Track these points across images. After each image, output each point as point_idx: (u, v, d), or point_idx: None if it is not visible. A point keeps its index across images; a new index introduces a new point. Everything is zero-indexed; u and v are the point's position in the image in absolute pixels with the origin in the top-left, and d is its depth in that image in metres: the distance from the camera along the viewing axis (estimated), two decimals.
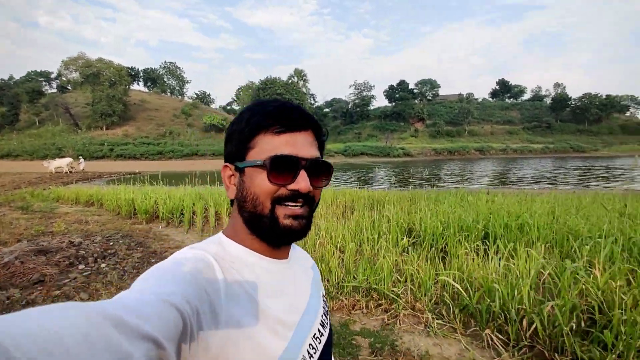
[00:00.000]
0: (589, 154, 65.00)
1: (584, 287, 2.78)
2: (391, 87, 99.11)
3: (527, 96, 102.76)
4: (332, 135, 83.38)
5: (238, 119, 0.66)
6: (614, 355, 2.26)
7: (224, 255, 0.63)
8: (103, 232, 6.38)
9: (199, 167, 32.48)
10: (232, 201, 0.70)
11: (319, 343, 0.70)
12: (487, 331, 2.78)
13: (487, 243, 4.49)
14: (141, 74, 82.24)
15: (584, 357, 2.36)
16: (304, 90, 68.27)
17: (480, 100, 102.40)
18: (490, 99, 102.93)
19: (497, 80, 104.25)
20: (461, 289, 3.05)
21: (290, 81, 65.46)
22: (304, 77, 70.81)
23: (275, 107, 0.64)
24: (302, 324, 0.67)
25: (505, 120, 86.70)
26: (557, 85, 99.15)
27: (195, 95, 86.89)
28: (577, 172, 28.74)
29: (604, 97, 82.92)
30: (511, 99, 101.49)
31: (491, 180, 23.37)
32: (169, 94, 79.91)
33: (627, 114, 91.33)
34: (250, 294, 0.61)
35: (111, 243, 5.60)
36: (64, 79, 58.21)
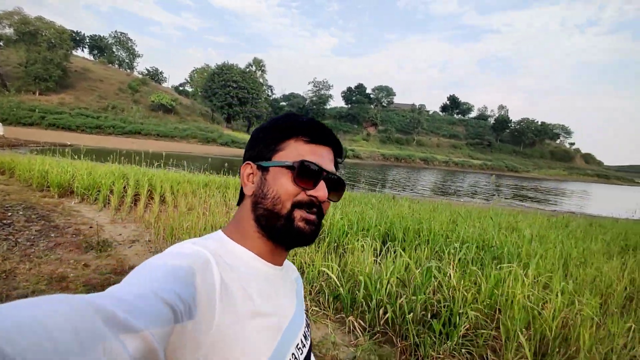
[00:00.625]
0: (520, 174, 70.79)
1: (436, 284, 3.18)
2: (349, 89, 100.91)
3: (474, 114, 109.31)
4: None
5: (268, 125, 0.72)
6: (442, 341, 2.66)
7: (223, 254, 0.63)
8: (5, 201, 6.00)
9: (140, 146, 30.96)
10: (240, 200, 0.73)
11: (301, 354, 0.71)
12: (351, 317, 3.09)
13: (388, 243, 4.88)
14: (87, 41, 76.43)
15: (418, 341, 2.73)
16: (261, 80, 67.30)
17: (431, 112, 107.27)
18: (441, 113, 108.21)
19: (448, 95, 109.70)
20: (335, 279, 3.34)
21: (247, 70, 64.21)
22: (263, 68, 69.83)
23: (307, 120, 0.70)
24: (288, 332, 0.68)
25: (452, 134, 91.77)
26: (501, 107, 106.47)
27: (147, 71, 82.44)
28: (501, 189, 31.27)
29: (539, 123, 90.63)
30: (459, 115, 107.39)
31: (424, 189, 24.76)
32: (116, 65, 75.01)
33: (558, 141, 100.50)
34: (246, 294, 0.61)
35: (9, 214, 5.30)
36: None
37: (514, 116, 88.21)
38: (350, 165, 45.93)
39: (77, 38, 74.84)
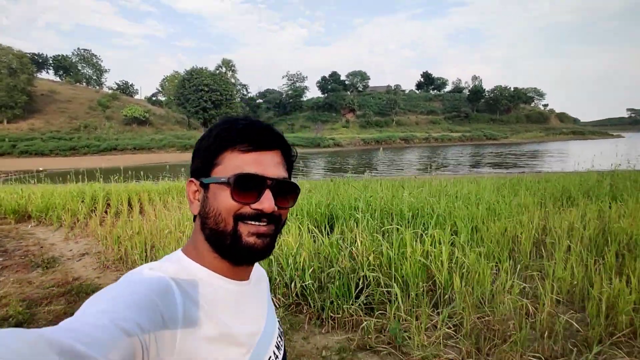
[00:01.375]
0: (499, 141, 72.00)
1: (346, 253, 3.48)
2: (324, 78, 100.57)
3: (449, 88, 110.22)
4: None
5: (207, 135, 0.67)
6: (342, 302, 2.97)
7: (183, 276, 0.61)
8: None
9: (116, 162, 30.71)
10: (194, 217, 0.69)
11: None
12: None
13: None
14: (51, 62, 74.65)
15: (318, 305, 3.04)
16: (232, 80, 66.84)
17: (407, 91, 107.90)
18: (417, 91, 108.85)
19: (422, 72, 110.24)
20: None
21: (217, 71, 63.66)
22: (233, 68, 69.43)
23: (244, 125, 0.65)
24: (259, 347, 0.67)
25: (429, 110, 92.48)
26: (474, 77, 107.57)
27: (117, 86, 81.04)
28: (476, 159, 31.95)
29: (512, 89, 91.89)
30: (435, 91, 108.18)
31: (399, 168, 25.22)
32: (84, 84, 73.58)
33: (532, 105, 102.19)
34: (210, 316, 0.60)
35: None
36: None
37: (489, 85, 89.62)
38: (330, 154, 46.22)
39: (40, 60, 73.05)
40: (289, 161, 0.70)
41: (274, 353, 0.71)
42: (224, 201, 0.62)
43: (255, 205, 0.62)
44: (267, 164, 0.64)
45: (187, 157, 41.97)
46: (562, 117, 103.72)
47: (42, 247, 5.36)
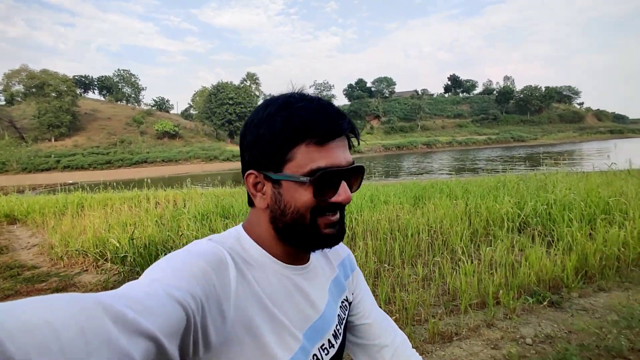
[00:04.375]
0: (528, 142, 69.72)
1: None
2: (350, 86, 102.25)
3: (479, 89, 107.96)
4: None
5: (265, 122, 0.61)
6: None
7: (240, 252, 0.62)
8: None
9: (145, 174, 33.76)
10: (250, 202, 0.67)
11: (326, 354, 0.68)
12: None
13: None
14: (95, 82, 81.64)
15: None
16: (256, 93, 69.90)
17: (435, 95, 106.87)
18: (445, 95, 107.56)
19: (449, 76, 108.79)
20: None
21: (242, 85, 66.92)
22: (256, 80, 72.56)
23: (309, 111, 0.59)
24: (311, 333, 0.66)
25: (456, 114, 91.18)
26: (506, 78, 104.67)
27: (154, 102, 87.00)
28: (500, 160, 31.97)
29: (543, 89, 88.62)
30: (464, 93, 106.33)
31: (407, 172, 26.02)
32: (124, 102, 79.75)
33: (567, 103, 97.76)
34: (261, 296, 0.59)
35: None
36: (6, 92, 57.55)
37: (525, 85, 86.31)
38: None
39: (87, 82, 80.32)
40: (351, 142, 0.66)
41: (329, 341, 0.70)
42: (304, 200, 0.60)
43: (334, 199, 0.61)
44: (339, 153, 0.61)
45: (210, 167, 44.81)
46: (600, 115, 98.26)
47: (7, 239, 7.18)
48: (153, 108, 76.50)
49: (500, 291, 3.27)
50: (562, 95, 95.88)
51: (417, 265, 3.91)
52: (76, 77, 76.56)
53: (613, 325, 2.82)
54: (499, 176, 10.04)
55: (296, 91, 0.64)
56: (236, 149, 58.03)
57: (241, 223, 0.68)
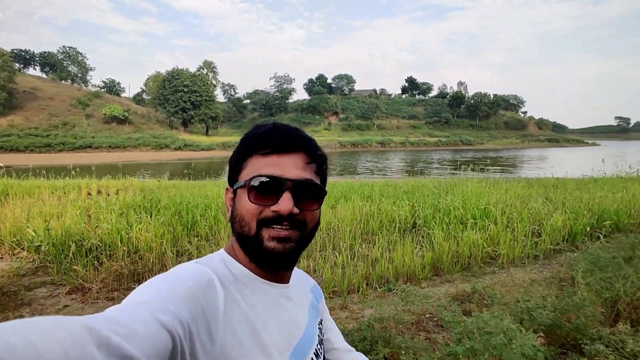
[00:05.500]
0: (475, 146, 74.02)
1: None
2: (310, 80, 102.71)
3: (434, 93, 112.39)
4: (249, 127, 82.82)
5: (238, 145, 0.69)
6: None
7: (226, 274, 0.63)
8: None
9: (88, 160, 32.24)
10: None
11: None
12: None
13: None
14: (37, 58, 75.88)
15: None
16: (213, 82, 68.45)
17: (393, 96, 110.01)
18: (402, 96, 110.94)
19: (406, 77, 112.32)
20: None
21: (199, 73, 65.21)
22: (214, 69, 71.04)
23: (266, 130, 0.66)
24: (297, 351, 0.67)
25: (411, 115, 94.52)
26: (460, 83, 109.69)
27: (103, 84, 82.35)
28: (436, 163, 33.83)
29: (492, 96, 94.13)
30: (420, 96, 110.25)
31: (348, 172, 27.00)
32: (69, 81, 74.84)
33: (513, 111, 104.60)
34: (249, 315, 0.60)
35: None
36: None
37: (480, 90, 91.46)
38: None
39: (27, 57, 74.40)
40: (319, 164, 0.69)
41: (316, 350, 0.73)
42: (245, 204, 0.64)
43: (273, 207, 0.63)
44: (288, 166, 0.64)
45: (160, 156, 43.57)
46: (541, 124, 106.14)
47: None
48: (102, 90, 72.56)
49: (355, 281, 3.96)
50: (508, 104, 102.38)
51: (302, 260, 4.53)
52: (15, 51, 70.74)
53: (436, 307, 3.59)
54: (419, 180, 11.02)
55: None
56: (190, 137, 57.41)
57: (223, 248, 0.72)
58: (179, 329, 0.47)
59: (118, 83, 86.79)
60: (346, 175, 22.08)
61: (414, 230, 5.86)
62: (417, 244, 5.13)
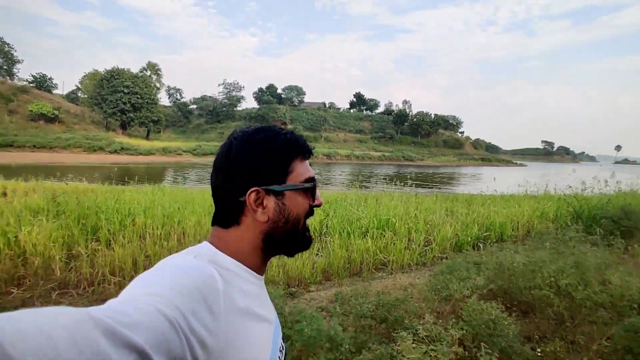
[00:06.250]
0: (415, 162, 77.87)
1: None
2: (260, 89, 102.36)
3: (381, 109, 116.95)
4: (194, 133, 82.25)
5: (267, 143, 0.71)
6: None
7: (223, 267, 0.66)
8: None
9: (7, 159, 29.43)
10: (222, 222, 0.72)
11: (282, 356, 0.78)
12: None
13: None
14: None
15: None
16: (157, 84, 65.86)
17: (342, 110, 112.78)
18: (350, 110, 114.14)
19: (355, 93, 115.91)
20: None
21: (141, 74, 62.43)
22: (158, 71, 68.35)
23: (298, 137, 0.75)
24: (275, 336, 0.74)
25: (358, 129, 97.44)
26: (405, 102, 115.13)
27: (33, 78, 75.73)
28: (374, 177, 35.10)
29: (433, 115, 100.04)
30: (367, 111, 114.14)
31: None
32: None
33: (452, 131, 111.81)
34: (247, 305, 0.65)
35: None
36: None
37: (426, 110, 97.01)
38: None
39: None
40: None
41: (282, 344, 0.78)
42: (303, 204, 0.73)
43: (314, 203, 0.75)
44: (310, 167, 0.76)
45: (93, 158, 40.85)
46: (476, 143, 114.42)
47: None
48: (30, 85, 66.65)
49: None
50: (448, 123, 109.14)
51: None
52: None
53: (317, 307, 3.83)
54: (345, 192, 11.48)
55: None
56: (128, 140, 54.15)
57: (205, 242, 0.72)
58: (181, 320, 0.48)
59: (50, 78, 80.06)
60: None
61: (319, 238, 6.15)
62: (318, 251, 5.40)
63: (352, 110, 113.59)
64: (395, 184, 14.32)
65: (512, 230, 7.28)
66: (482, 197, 11.41)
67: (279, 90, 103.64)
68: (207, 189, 0.80)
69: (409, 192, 11.74)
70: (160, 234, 5.63)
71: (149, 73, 66.10)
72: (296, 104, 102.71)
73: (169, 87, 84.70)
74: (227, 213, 0.72)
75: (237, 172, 0.70)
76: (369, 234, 5.93)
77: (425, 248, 5.78)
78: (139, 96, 56.12)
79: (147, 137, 61.85)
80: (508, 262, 3.24)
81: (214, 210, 0.74)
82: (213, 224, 0.74)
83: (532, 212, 8.37)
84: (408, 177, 28.63)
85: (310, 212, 0.75)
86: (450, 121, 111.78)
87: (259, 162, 0.70)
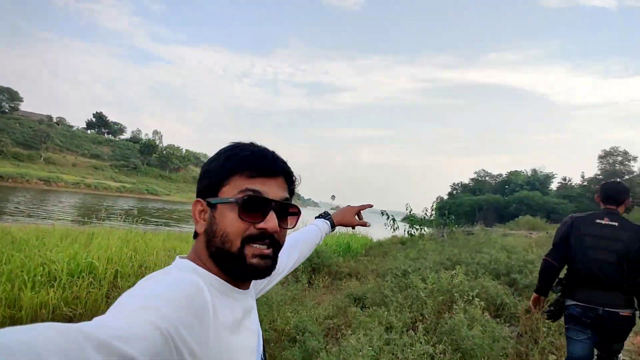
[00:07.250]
0: (160, 197, 73.20)
1: None
2: None
3: (127, 136, 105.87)
4: None
5: (215, 158, 0.71)
6: None
7: (206, 281, 0.64)
8: None
9: None
10: (195, 235, 0.71)
11: None
12: None
13: None
14: None
15: None
16: None
17: (74, 128, 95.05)
18: (88, 131, 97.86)
19: (94, 112, 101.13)
20: None
21: None
22: None
23: (252, 152, 0.70)
24: (259, 346, 0.73)
25: (94, 154, 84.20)
26: (155, 132, 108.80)
27: None
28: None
29: (184, 150, 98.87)
30: (109, 135, 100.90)
31: None
32: None
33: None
34: (231, 315, 0.64)
35: None
36: None
37: (179, 144, 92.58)
38: None
39: None
40: (291, 187, 0.76)
41: (263, 355, 0.76)
42: (232, 221, 0.65)
43: (260, 225, 0.66)
44: (272, 188, 0.69)
45: None
46: None
47: None
48: None
49: None
50: (199, 160, 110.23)
51: None
52: None
53: None
54: (43, 226, 8.83)
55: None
56: None
57: (178, 257, 0.70)
58: (175, 334, 0.48)
59: None
60: None
61: None
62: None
63: (89, 131, 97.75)
64: (125, 220, 12.45)
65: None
66: None
67: None
68: None
69: (130, 230, 10.20)
70: None
71: None
72: (6, 110, 79.09)
73: None
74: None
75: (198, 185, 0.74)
76: (56, 283, 4.35)
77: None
78: None
79: None
80: None
81: None
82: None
83: None
84: (148, 212, 26.00)
85: (255, 237, 0.67)
86: (202, 158, 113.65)
87: (203, 175, 0.73)
